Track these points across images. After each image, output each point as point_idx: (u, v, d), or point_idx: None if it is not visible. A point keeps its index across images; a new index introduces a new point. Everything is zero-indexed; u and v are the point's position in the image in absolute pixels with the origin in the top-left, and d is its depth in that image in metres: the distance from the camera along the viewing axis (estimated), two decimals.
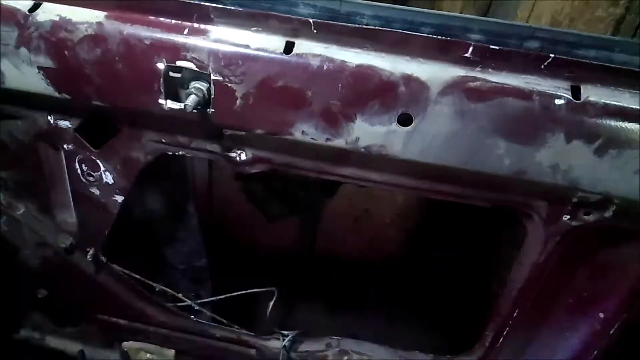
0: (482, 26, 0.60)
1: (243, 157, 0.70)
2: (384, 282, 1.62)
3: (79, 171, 0.79)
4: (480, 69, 0.57)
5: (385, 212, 1.50)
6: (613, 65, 0.56)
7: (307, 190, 1.45)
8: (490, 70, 0.57)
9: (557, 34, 0.59)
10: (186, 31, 0.60)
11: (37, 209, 0.87)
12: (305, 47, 0.59)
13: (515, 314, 0.77)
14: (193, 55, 0.59)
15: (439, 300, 1.45)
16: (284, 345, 0.95)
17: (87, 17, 0.61)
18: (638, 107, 0.56)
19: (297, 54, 0.59)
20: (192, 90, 0.61)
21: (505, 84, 0.57)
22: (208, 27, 0.60)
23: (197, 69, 0.60)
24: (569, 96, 0.56)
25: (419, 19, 0.60)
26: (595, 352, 0.75)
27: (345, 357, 0.94)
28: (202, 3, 0.60)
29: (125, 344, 1.03)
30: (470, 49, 0.57)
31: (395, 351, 0.95)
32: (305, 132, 0.62)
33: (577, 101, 0.56)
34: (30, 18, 0.62)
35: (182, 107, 0.60)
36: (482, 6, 1.57)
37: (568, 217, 0.65)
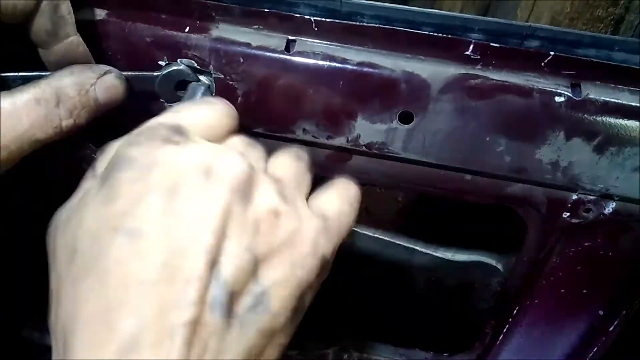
0: (482, 25, 0.60)
1: None
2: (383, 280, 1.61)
3: (79, 169, 0.78)
4: (481, 67, 0.57)
5: (386, 211, 1.50)
6: (613, 63, 0.56)
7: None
8: (490, 67, 0.57)
9: (557, 32, 0.59)
10: (187, 29, 0.60)
11: (38, 206, 0.87)
12: (306, 45, 0.59)
13: (514, 312, 0.77)
14: (194, 53, 0.60)
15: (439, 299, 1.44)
16: None
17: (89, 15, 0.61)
18: (637, 105, 0.56)
19: (298, 52, 0.59)
20: None
21: (506, 82, 0.57)
22: (209, 24, 0.60)
23: (198, 67, 0.60)
24: (569, 93, 0.56)
25: (420, 19, 0.60)
26: (595, 349, 0.76)
27: (346, 355, 0.94)
28: (204, 1, 0.60)
29: None
30: (471, 47, 0.57)
31: (396, 349, 0.95)
32: (307, 130, 0.62)
33: (577, 98, 0.56)
34: None
35: None
36: (482, 6, 1.57)
37: (568, 214, 0.65)
